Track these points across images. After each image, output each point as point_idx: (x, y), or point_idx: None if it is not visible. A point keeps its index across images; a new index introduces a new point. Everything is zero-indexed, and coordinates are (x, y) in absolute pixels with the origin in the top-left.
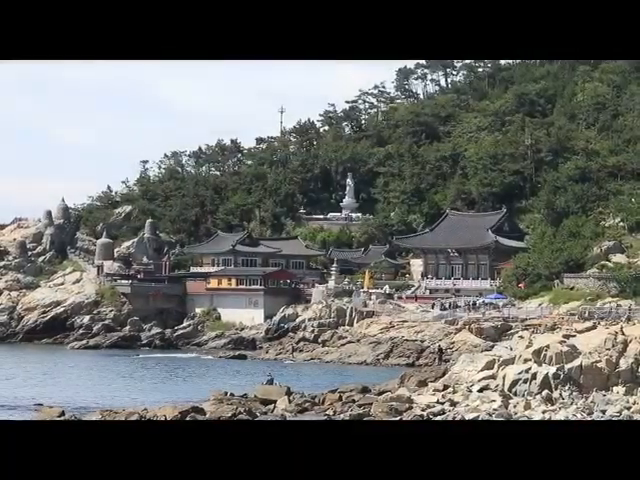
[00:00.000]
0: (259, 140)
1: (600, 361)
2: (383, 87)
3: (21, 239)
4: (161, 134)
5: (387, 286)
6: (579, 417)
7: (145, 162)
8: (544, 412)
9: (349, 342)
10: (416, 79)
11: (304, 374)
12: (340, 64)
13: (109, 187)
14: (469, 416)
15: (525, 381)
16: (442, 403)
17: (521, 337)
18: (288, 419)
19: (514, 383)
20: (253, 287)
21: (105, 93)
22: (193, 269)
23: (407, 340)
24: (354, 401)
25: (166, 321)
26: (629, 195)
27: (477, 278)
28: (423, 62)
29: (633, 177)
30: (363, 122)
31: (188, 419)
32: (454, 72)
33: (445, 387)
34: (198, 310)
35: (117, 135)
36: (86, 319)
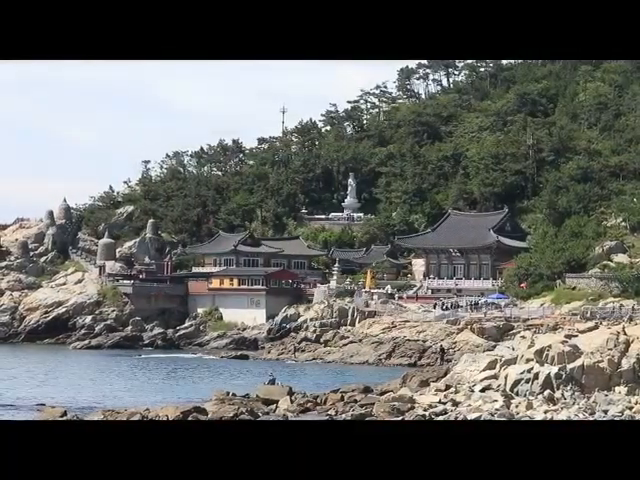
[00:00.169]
0: (261, 140)
1: (602, 361)
2: (385, 87)
3: (23, 239)
4: (162, 134)
5: (389, 286)
6: (581, 417)
7: (147, 162)
8: (546, 412)
9: (351, 342)
10: (418, 79)
11: (306, 374)
12: (341, 64)
13: (111, 187)
14: (471, 416)
15: (527, 381)
16: (444, 403)
17: (523, 337)
18: (290, 419)
19: (516, 383)
20: (255, 287)
21: (106, 93)
22: (195, 269)
23: (409, 340)
24: (356, 401)
25: (168, 321)
26: (631, 195)
27: (479, 278)
28: (425, 62)
29: (635, 177)
30: (365, 122)
31: (190, 419)
32: (456, 72)
33: (447, 387)
34: (200, 310)
35: (119, 135)
36: (88, 319)
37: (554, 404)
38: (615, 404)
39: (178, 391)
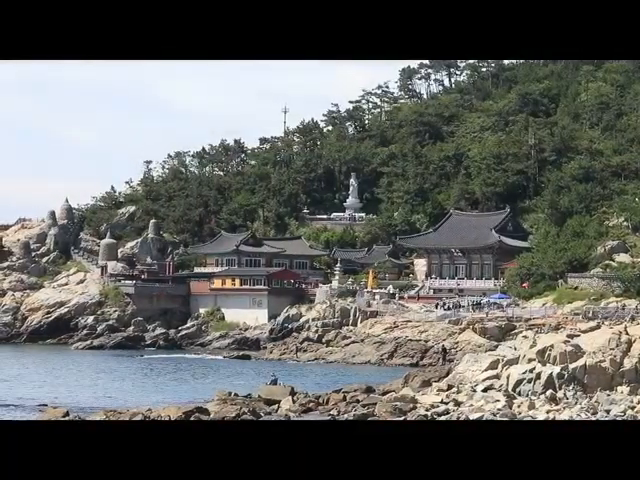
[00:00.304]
0: (262, 140)
1: (604, 361)
2: (386, 87)
3: (25, 240)
4: (164, 134)
5: (391, 286)
6: (583, 417)
7: (149, 162)
8: (548, 412)
9: (353, 342)
10: (420, 79)
11: (308, 374)
12: (343, 64)
13: (113, 187)
14: (473, 416)
15: (529, 381)
16: (446, 403)
17: (525, 337)
18: (292, 419)
19: (518, 383)
20: (257, 287)
21: (107, 93)
22: (197, 269)
23: (411, 340)
24: (358, 401)
25: (170, 321)
26: (633, 194)
27: (481, 278)
28: (427, 62)
29: (637, 177)
30: (367, 122)
31: (192, 419)
32: (458, 72)
33: (449, 387)
34: (202, 310)
35: (120, 135)
36: (90, 319)
37: (556, 404)
38: (617, 404)
39: (180, 391)
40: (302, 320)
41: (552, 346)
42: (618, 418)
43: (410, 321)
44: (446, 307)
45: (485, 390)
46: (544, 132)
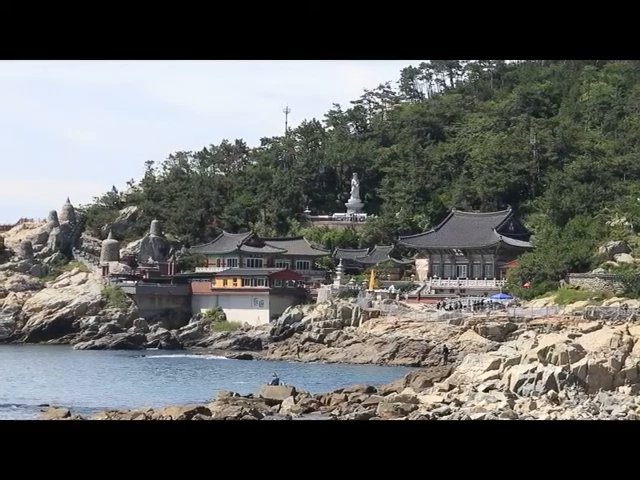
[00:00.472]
0: (264, 140)
1: (606, 361)
2: (388, 87)
3: (26, 240)
4: (166, 135)
5: (392, 286)
6: (585, 417)
7: (150, 162)
8: (550, 412)
9: (355, 342)
10: (421, 79)
11: (309, 374)
12: (345, 64)
13: (114, 188)
14: (475, 416)
15: (531, 381)
16: (448, 403)
17: (527, 337)
18: (294, 419)
19: (520, 383)
20: (258, 287)
21: (109, 93)
22: (198, 269)
23: (413, 340)
24: (360, 401)
25: (172, 322)
26: (634, 194)
27: (482, 278)
28: (428, 62)
29: (639, 176)
30: (368, 122)
31: (194, 419)
32: (459, 72)
33: (451, 387)
34: (203, 310)
35: (122, 136)
36: (92, 320)
37: (558, 404)
38: (619, 404)
39: (182, 391)
40: (304, 320)
41: (554, 346)
42: (620, 418)
43: (412, 321)
44: (448, 307)
45: (487, 390)
46: (546, 132)
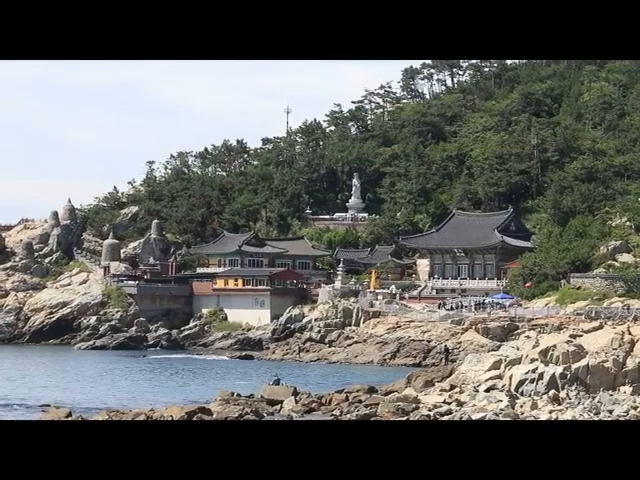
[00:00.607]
0: (265, 140)
1: (607, 361)
2: (389, 87)
3: (28, 240)
4: (167, 135)
5: (393, 286)
6: (586, 417)
7: (151, 163)
8: (551, 412)
9: (356, 342)
10: (422, 79)
11: (311, 374)
12: (346, 64)
13: (115, 188)
14: (476, 416)
15: (532, 381)
16: (449, 403)
17: (528, 337)
18: (295, 419)
19: (521, 383)
20: (259, 287)
21: (110, 94)
22: (199, 270)
23: (414, 340)
24: (361, 401)
25: (173, 322)
26: (636, 194)
27: (484, 278)
28: (429, 62)
29: None
30: (369, 122)
31: (195, 420)
32: (460, 72)
33: (452, 387)
34: (205, 311)
35: (123, 136)
36: (93, 320)
37: (559, 404)
38: (620, 404)
39: (183, 392)
40: (305, 320)
41: (555, 346)
42: (621, 418)
43: (413, 321)
44: (449, 307)
45: (488, 390)
46: (547, 132)
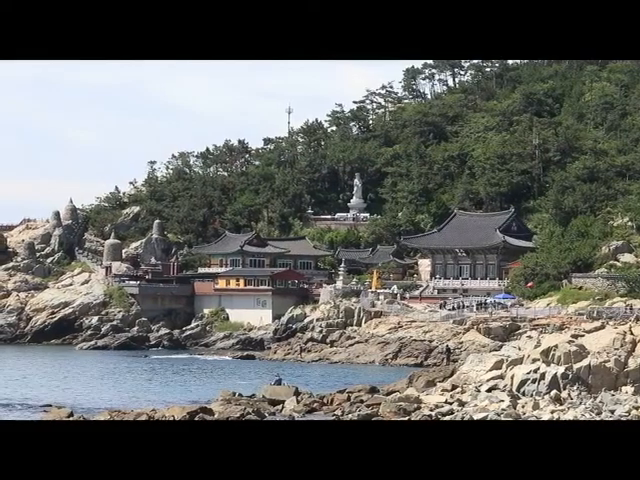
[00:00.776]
0: (267, 140)
1: (609, 361)
2: (391, 87)
3: (29, 240)
4: (166, 134)
5: (395, 286)
6: (588, 417)
7: (153, 163)
8: (553, 412)
9: (357, 342)
10: (424, 79)
11: (312, 374)
12: (347, 64)
13: (117, 188)
14: (477, 416)
15: (533, 381)
16: (450, 403)
17: (529, 337)
18: (296, 419)
19: (522, 383)
20: (261, 287)
21: (112, 94)
22: (201, 270)
23: (415, 340)
24: (362, 401)
25: (174, 322)
26: (637, 194)
27: (485, 278)
28: (431, 62)
29: None
30: (371, 122)
31: (196, 419)
32: (462, 72)
33: (453, 387)
34: (206, 311)
35: (124, 136)
36: (94, 320)
37: (561, 404)
38: (622, 404)
39: (184, 392)
40: (306, 320)
41: (556, 346)
42: (623, 418)
43: (414, 321)
44: (450, 307)
45: (489, 390)
46: (548, 132)
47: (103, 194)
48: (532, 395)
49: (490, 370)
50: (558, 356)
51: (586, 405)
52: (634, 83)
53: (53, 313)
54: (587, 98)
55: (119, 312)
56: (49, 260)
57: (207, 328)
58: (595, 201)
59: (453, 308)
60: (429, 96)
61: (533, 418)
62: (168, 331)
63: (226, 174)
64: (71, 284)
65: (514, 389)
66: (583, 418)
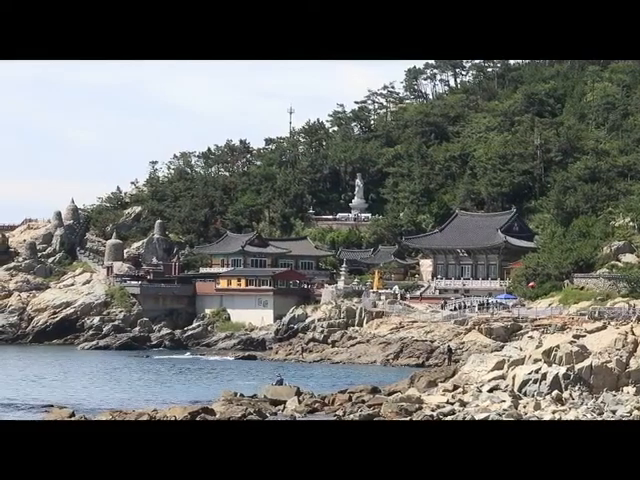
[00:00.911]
0: (268, 140)
1: (610, 361)
2: (392, 87)
3: (31, 240)
4: (166, 134)
5: (396, 286)
6: (589, 417)
7: (154, 163)
8: (554, 412)
9: (359, 342)
10: (425, 79)
11: (314, 374)
12: (349, 64)
13: (118, 188)
14: (479, 416)
15: (535, 381)
16: (452, 403)
17: (531, 337)
18: (298, 419)
19: (524, 383)
20: (263, 287)
21: (113, 94)
22: (202, 270)
23: (417, 340)
24: (364, 401)
25: (176, 322)
26: (639, 195)
27: (487, 278)
28: (432, 62)
29: None
30: (372, 122)
31: (198, 420)
32: (463, 72)
33: (455, 387)
34: (208, 311)
35: (126, 136)
36: (96, 320)
37: (562, 404)
38: (623, 404)
39: (186, 392)
40: (308, 320)
41: (558, 346)
42: (624, 418)
43: (416, 321)
44: (452, 307)
45: (491, 390)
46: (550, 132)
47: (105, 194)
48: (534, 395)
49: (492, 370)
50: (560, 356)
51: (588, 405)
52: (636, 83)
53: (55, 313)
54: (589, 98)
55: (120, 312)
56: (51, 260)
57: (208, 328)
58: (597, 201)
59: (455, 308)
60: (431, 96)
61: (535, 418)
62: (169, 331)
63: (228, 174)
64: (73, 284)
65: (516, 389)
66: (585, 418)
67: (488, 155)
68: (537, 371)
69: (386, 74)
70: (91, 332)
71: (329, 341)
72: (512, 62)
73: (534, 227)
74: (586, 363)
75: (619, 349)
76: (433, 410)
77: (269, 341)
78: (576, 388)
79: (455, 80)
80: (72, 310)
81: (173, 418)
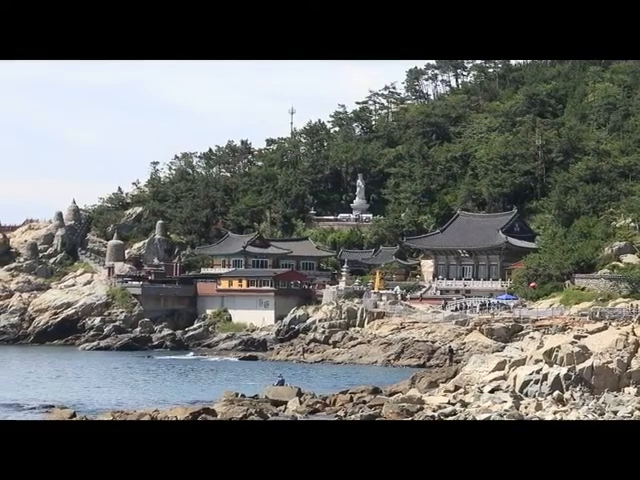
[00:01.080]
0: (269, 141)
1: (611, 362)
2: (393, 88)
3: (32, 240)
4: (166, 134)
5: (398, 287)
6: (590, 418)
7: (155, 163)
8: (555, 413)
9: (360, 343)
10: (426, 80)
11: (315, 375)
12: (350, 65)
13: (120, 188)
14: (480, 417)
15: (536, 382)
16: (453, 404)
17: (532, 338)
18: (299, 420)
19: (525, 384)
20: (264, 288)
21: (114, 94)
22: (204, 270)
23: (418, 341)
24: (365, 402)
25: (177, 322)
26: None
27: (488, 279)
28: (433, 63)
29: None
30: (373, 123)
31: (199, 420)
32: (464, 73)
33: (456, 388)
34: (209, 311)
35: (127, 136)
36: (97, 320)
37: (563, 405)
38: (625, 405)
39: (187, 392)
40: (309, 321)
41: (559, 347)
42: (625, 419)
43: (417, 322)
44: (453, 308)
45: (492, 391)
46: (551, 133)
47: (106, 194)
48: (535, 396)
49: (493, 371)
50: (561, 357)
51: (589, 406)
52: (637, 84)
53: (56, 314)
54: (590, 99)
55: (122, 313)
56: (52, 261)
57: (210, 329)
58: (598, 202)
59: (456, 309)
60: (432, 97)
61: (536, 419)
62: (171, 332)
63: (229, 175)
64: (74, 285)
65: (517, 390)
66: (586, 419)
67: (489, 156)
68: (538, 372)
69: (387, 74)
70: (92, 333)
71: (330, 342)
72: (513, 62)
73: (535, 228)
74: (587, 364)
75: (620, 350)
76: (434, 411)
77: (270, 342)
78: (577, 389)
79: (456, 80)
80: (73, 310)
81: (174, 418)
